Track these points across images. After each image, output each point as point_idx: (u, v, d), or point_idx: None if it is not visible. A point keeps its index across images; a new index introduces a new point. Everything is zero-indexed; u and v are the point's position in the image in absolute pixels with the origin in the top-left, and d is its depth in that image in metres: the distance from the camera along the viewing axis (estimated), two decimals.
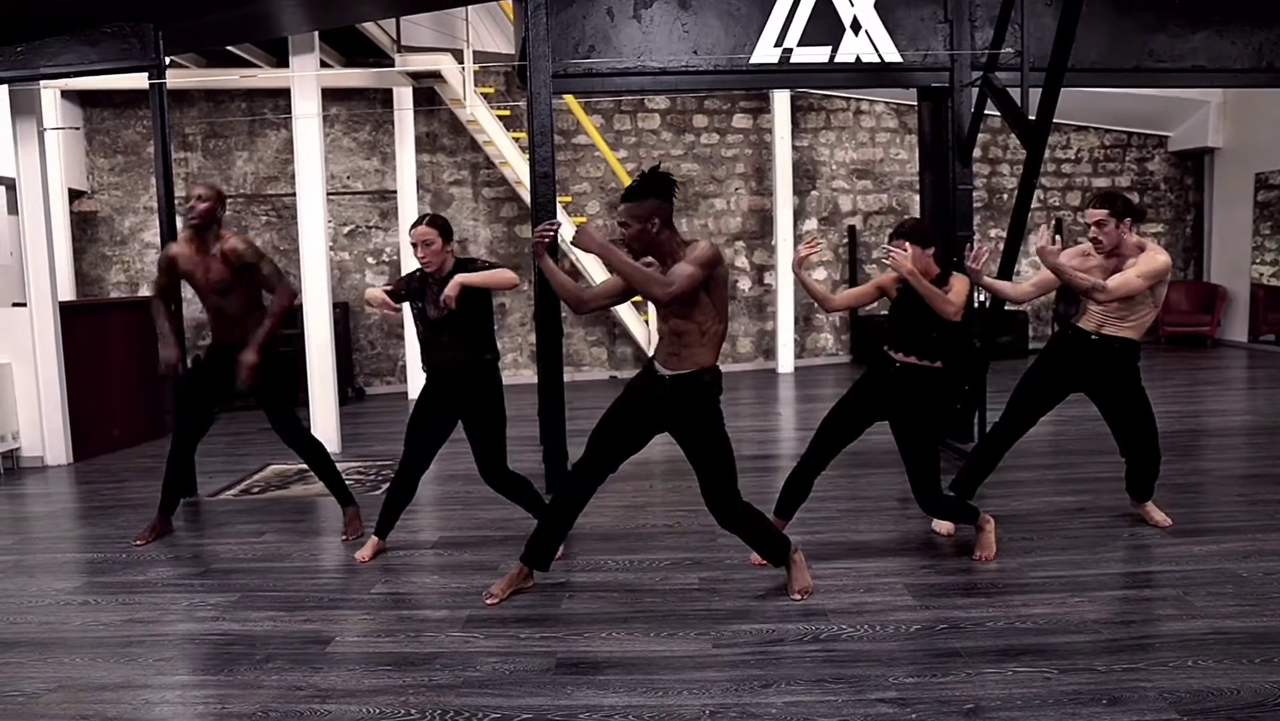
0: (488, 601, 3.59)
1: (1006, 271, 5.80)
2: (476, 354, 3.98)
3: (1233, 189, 11.23)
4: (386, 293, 3.99)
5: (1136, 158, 11.60)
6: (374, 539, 4.24)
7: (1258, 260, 11.07)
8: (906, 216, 4.11)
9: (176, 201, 5.54)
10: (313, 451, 4.60)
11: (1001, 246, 10.98)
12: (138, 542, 4.54)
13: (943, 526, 4.26)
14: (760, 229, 10.44)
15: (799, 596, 3.52)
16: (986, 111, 5.96)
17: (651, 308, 9.19)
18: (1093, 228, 4.02)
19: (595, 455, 3.50)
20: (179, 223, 5.42)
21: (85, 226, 9.36)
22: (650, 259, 3.40)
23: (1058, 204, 11.40)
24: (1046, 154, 11.38)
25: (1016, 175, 11.16)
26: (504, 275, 3.90)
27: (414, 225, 3.93)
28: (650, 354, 3.78)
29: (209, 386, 4.64)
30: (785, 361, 10.30)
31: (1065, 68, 4.99)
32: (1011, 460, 5.63)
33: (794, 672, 2.92)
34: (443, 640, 3.26)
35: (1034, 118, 5.27)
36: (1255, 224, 10.99)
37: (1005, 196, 11.12)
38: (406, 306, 4.13)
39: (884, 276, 4.11)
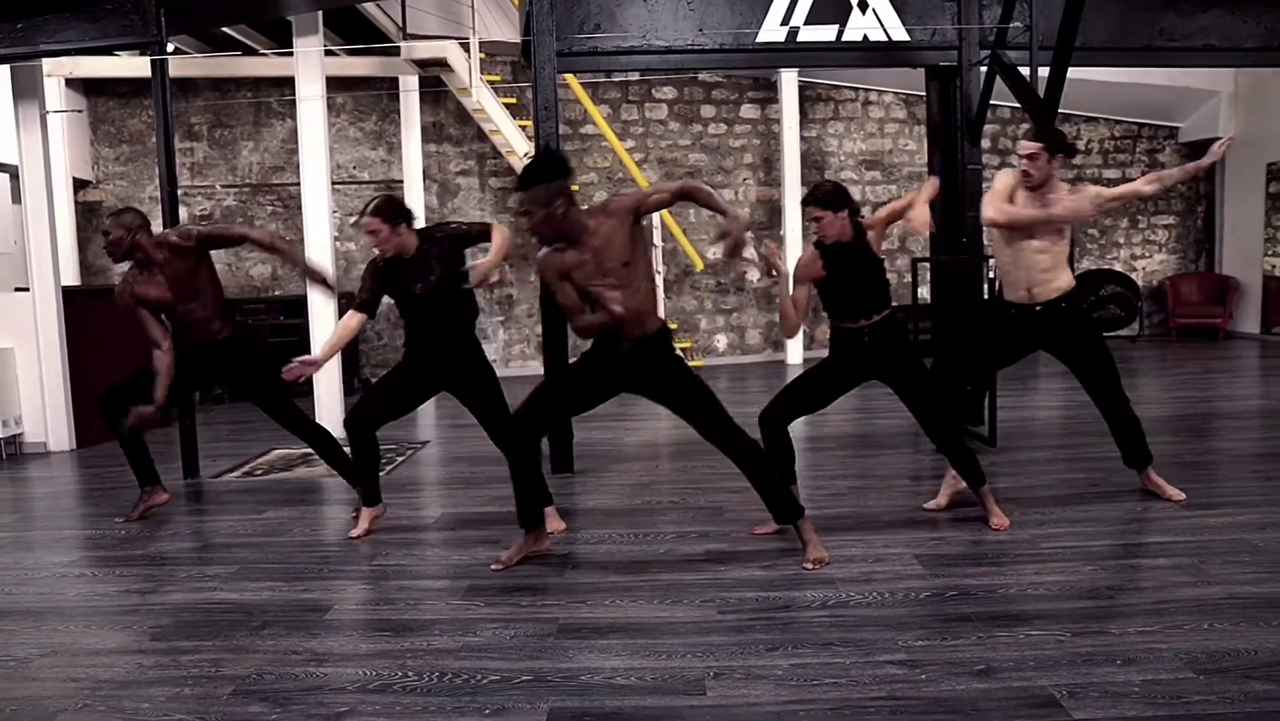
0: (494, 568, 3.54)
1: None
2: (465, 317, 4.00)
3: (1244, 180, 11.12)
4: (360, 303, 3.98)
5: (1147, 149, 11.49)
6: (366, 510, 4.12)
7: (1270, 251, 10.96)
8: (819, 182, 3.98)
9: (180, 189, 5.51)
10: (315, 436, 4.54)
11: None
12: (120, 519, 4.53)
13: (939, 500, 4.19)
14: (769, 219, 10.38)
15: (812, 566, 3.45)
16: (995, 101, 5.88)
17: (660, 296, 9.14)
18: (1024, 160, 3.96)
19: (552, 413, 3.64)
20: (182, 213, 5.38)
21: (90, 216, 9.35)
22: (559, 244, 3.28)
23: None
24: None
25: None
26: (506, 240, 3.88)
27: (359, 215, 3.91)
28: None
29: (188, 387, 4.74)
30: (795, 353, 10.22)
31: (1073, 42, 4.94)
32: (1024, 440, 5.59)
33: (800, 636, 2.86)
34: (442, 608, 3.21)
35: (1042, 95, 5.20)
36: (1268, 215, 10.88)
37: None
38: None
39: (803, 267, 3.93)
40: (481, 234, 4.04)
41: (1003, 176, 4.12)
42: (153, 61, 5.16)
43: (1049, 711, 2.35)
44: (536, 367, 8.97)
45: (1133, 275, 11.31)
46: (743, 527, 4.00)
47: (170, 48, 5.41)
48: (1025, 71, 5.40)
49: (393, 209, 3.84)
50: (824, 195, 3.75)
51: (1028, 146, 3.98)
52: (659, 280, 9.40)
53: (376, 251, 3.89)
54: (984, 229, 4.84)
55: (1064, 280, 4.06)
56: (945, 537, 3.81)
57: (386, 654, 2.82)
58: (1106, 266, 11.30)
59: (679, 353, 3.55)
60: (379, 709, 2.47)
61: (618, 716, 2.40)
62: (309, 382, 6.63)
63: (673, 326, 9.25)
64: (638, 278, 3.33)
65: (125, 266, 4.49)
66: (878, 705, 2.41)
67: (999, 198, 4.02)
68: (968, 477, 3.93)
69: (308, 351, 6.62)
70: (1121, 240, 11.45)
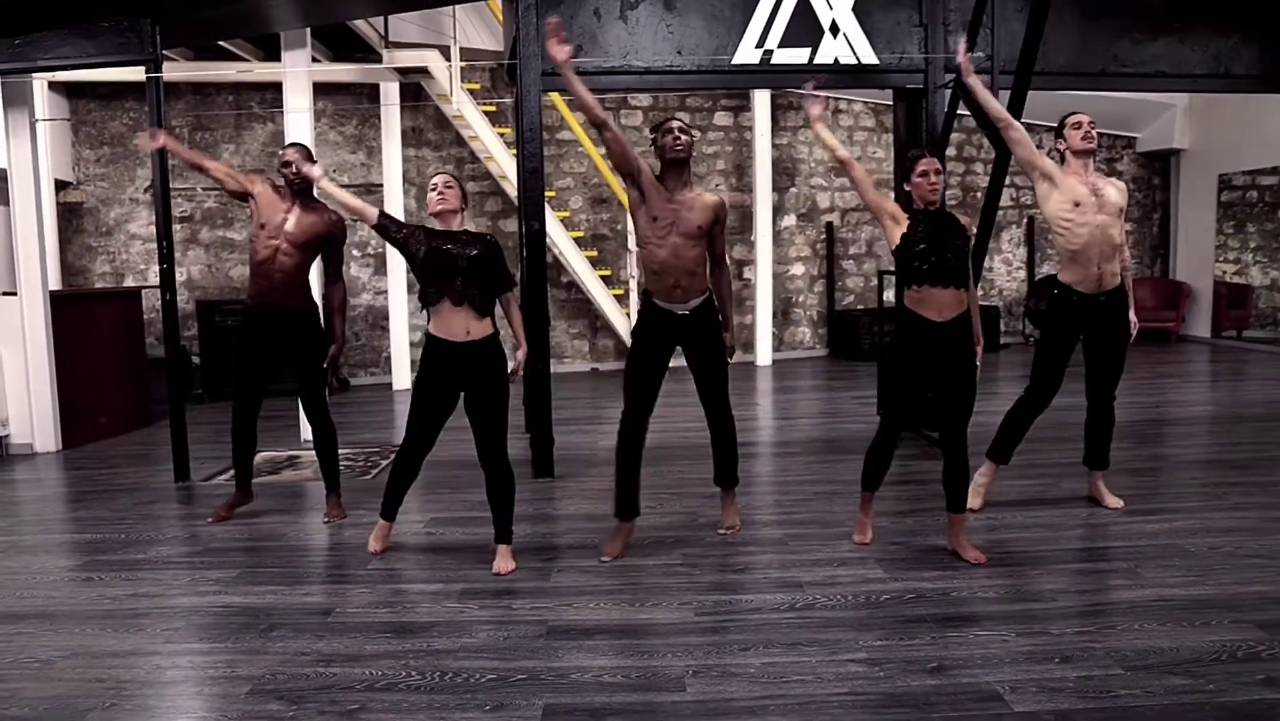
0: (604, 560, 3.93)
1: (976, 266, 5.99)
2: (489, 317, 3.90)
3: (1197, 189, 11.55)
4: (384, 216, 3.93)
5: (1106, 158, 11.88)
6: (382, 522, 4.16)
7: (1221, 258, 11.40)
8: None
9: (172, 194, 5.66)
10: (328, 434, 4.73)
11: (974, 242, 11.23)
12: (213, 520, 4.68)
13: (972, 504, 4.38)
14: (740, 224, 10.63)
15: (725, 531, 4.20)
16: (961, 112, 6.17)
17: (634, 299, 9.34)
18: (1086, 130, 4.25)
19: (640, 394, 4.02)
20: (174, 210, 5.53)
21: (71, 217, 9.42)
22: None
23: (1030, 202, 11.66)
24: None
25: (988, 172, 11.42)
26: (520, 323, 4.03)
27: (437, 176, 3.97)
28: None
29: (255, 354, 4.64)
30: (764, 354, 10.50)
31: (1032, 71, 5.23)
32: (983, 446, 5.88)
33: (771, 637, 3.12)
34: (439, 610, 3.44)
35: None
36: (1219, 223, 11.32)
37: (980, 195, 11.35)
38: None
39: (893, 205, 3.93)
40: (505, 281, 3.98)
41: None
42: (149, 79, 5.32)
43: (993, 705, 2.62)
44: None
45: None
46: (714, 532, 4.26)
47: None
48: None
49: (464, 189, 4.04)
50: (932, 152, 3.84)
51: (1084, 117, 4.24)
52: (633, 285, 9.65)
53: (436, 207, 3.88)
54: None
55: (1119, 268, 4.30)
56: (905, 542, 4.08)
57: (390, 654, 3.05)
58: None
59: (719, 320, 4.10)
60: (387, 706, 2.70)
61: (607, 711, 2.64)
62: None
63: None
64: (694, 245, 3.94)
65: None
66: (840, 700, 2.68)
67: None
68: (959, 500, 3.87)
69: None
70: None
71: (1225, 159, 11.04)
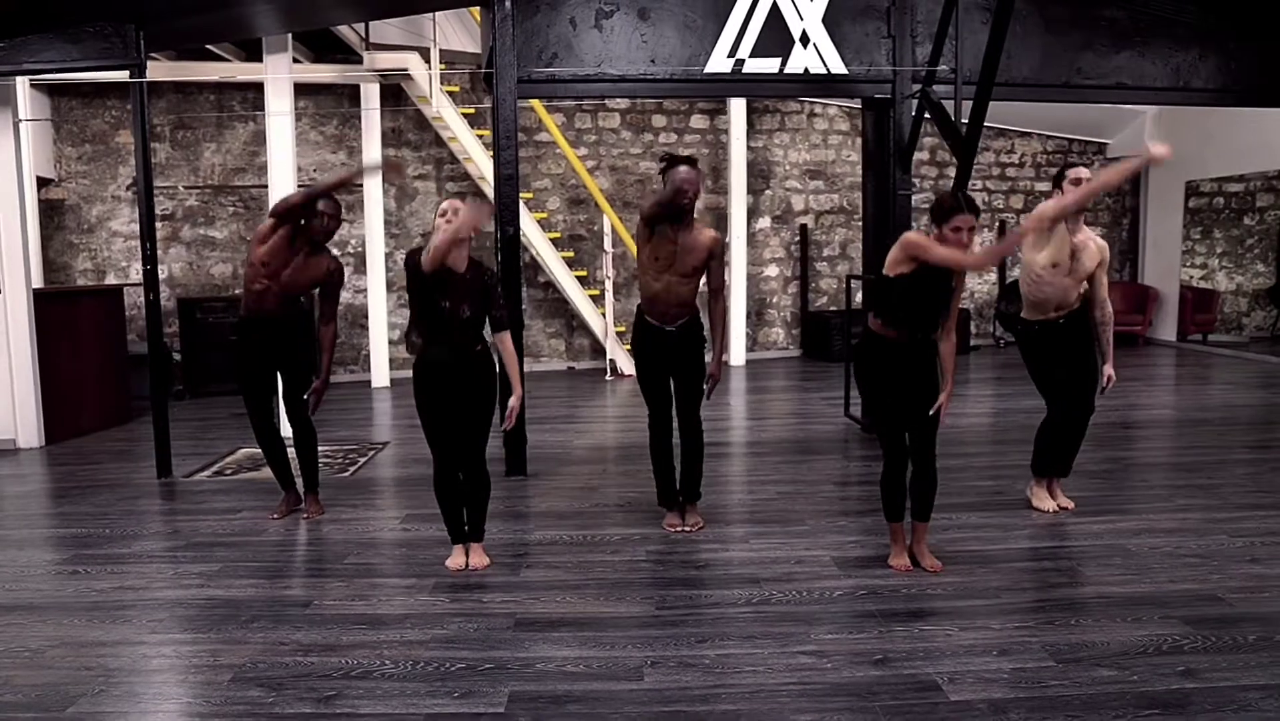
0: (670, 529, 4.44)
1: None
2: (480, 342, 3.96)
3: (1165, 195, 11.81)
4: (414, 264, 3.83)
5: (1078, 163, 12.12)
6: (456, 546, 4.08)
7: (1188, 264, 11.67)
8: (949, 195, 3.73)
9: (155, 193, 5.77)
10: (308, 433, 4.86)
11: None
12: (274, 516, 4.81)
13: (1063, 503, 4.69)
14: (715, 226, 10.77)
15: (690, 529, 4.48)
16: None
17: (610, 298, 9.47)
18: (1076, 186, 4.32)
19: (657, 402, 4.49)
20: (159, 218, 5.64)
21: (52, 214, 9.48)
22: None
23: (1002, 206, 11.91)
24: (992, 158, 11.92)
25: None
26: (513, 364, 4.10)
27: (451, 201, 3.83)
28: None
29: (254, 359, 4.76)
30: (737, 355, 10.68)
31: (992, 85, 5.42)
32: (947, 448, 6.07)
33: (727, 630, 3.29)
34: (412, 603, 3.60)
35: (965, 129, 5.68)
36: (1186, 229, 11.58)
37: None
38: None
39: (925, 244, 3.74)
40: (500, 315, 4.03)
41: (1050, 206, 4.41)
42: (133, 84, 5.43)
43: (931, 694, 2.81)
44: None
45: None
46: (679, 531, 4.43)
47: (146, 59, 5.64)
48: (951, 105, 5.89)
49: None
50: (974, 206, 3.70)
51: (1084, 172, 4.36)
52: (608, 285, 9.80)
53: (442, 231, 3.68)
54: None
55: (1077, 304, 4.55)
56: (860, 541, 4.26)
57: (365, 645, 3.21)
58: None
59: (705, 337, 4.54)
60: (362, 692, 2.86)
61: (568, 699, 2.81)
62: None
63: (620, 330, 9.69)
64: (687, 282, 4.37)
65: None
66: (788, 689, 2.85)
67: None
68: (924, 508, 3.95)
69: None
70: None
71: (1192, 166, 11.29)
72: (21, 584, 3.91)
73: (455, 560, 4.02)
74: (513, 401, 4.05)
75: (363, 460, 6.16)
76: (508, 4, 5.45)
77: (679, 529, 4.47)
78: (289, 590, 3.77)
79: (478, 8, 6.96)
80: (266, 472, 5.82)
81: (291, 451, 4.93)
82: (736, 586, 3.72)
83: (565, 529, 4.54)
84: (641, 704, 2.78)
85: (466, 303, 3.81)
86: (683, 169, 4.22)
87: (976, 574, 3.82)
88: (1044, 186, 11.88)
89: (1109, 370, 4.66)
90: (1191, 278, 11.79)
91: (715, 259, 4.41)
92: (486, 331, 3.96)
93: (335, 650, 3.17)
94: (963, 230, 3.62)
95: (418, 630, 3.33)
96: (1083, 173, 4.41)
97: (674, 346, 4.43)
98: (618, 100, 10.40)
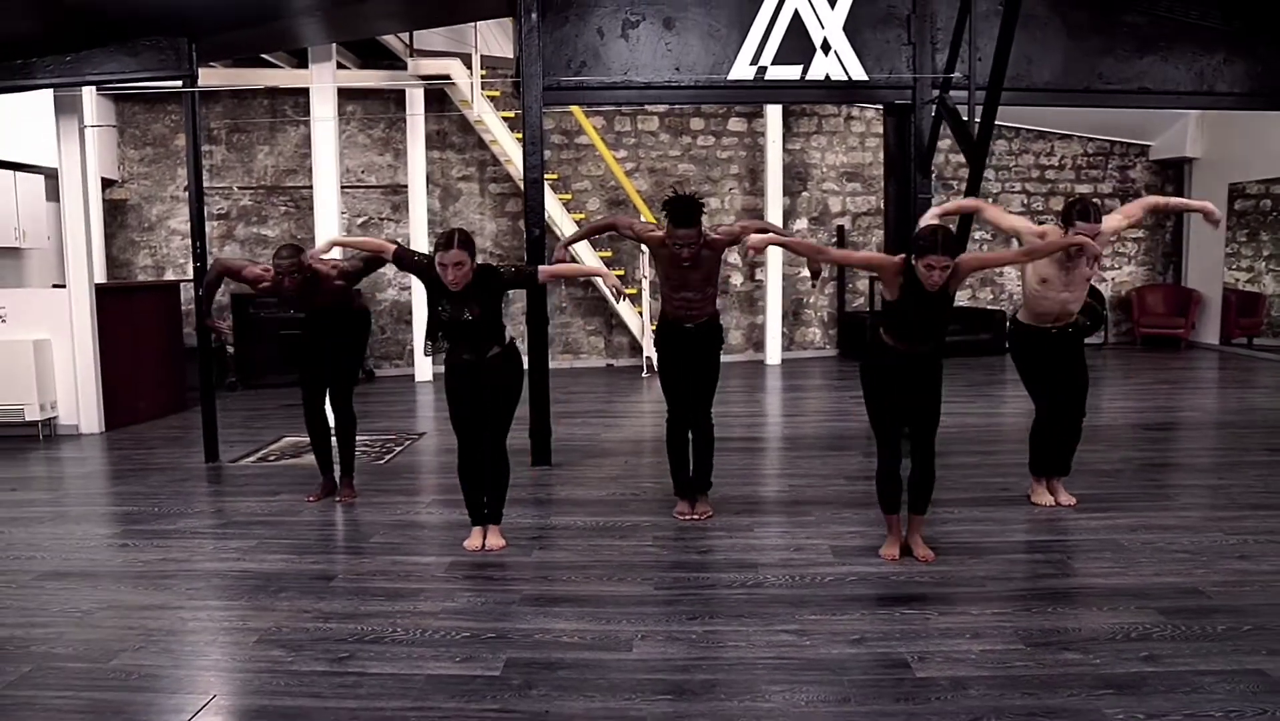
0: (679, 516, 4.68)
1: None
2: (499, 343, 4.17)
3: (1209, 198, 11.50)
4: (401, 250, 4.16)
5: (1119, 165, 12.06)
6: (475, 528, 4.33)
7: (1233, 266, 11.55)
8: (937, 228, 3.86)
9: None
10: (349, 423, 5.16)
11: (985, 248, 11.52)
12: (310, 499, 5.12)
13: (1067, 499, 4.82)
14: None
15: (698, 517, 4.67)
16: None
17: (647, 298, 9.71)
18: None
19: (676, 400, 4.68)
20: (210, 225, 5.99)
21: (116, 213, 9.99)
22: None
23: (1041, 208, 11.89)
24: (1032, 160, 11.93)
25: (1001, 180, 11.72)
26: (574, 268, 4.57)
27: (444, 246, 3.87)
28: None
29: (310, 350, 5.10)
30: (773, 353, 10.84)
31: (1000, 93, 5.55)
32: (957, 445, 6.21)
33: (718, 609, 3.50)
34: (428, 579, 3.87)
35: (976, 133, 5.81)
36: (1232, 231, 11.46)
37: (990, 199, 11.62)
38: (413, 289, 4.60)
39: (880, 262, 4.02)
40: (524, 278, 4.38)
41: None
42: (185, 93, 5.79)
43: (899, 671, 2.99)
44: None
45: (1102, 285, 11.91)
46: (686, 519, 4.64)
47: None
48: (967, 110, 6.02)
49: (472, 243, 3.97)
50: (948, 244, 3.73)
51: (1091, 228, 4.36)
52: (645, 285, 10.03)
53: (447, 283, 3.91)
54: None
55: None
56: (861, 531, 4.43)
57: (380, 614, 3.48)
58: None
59: (722, 337, 4.74)
60: (373, 655, 3.12)
61: (560, 665, 3.05)
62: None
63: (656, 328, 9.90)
64: (702, 290, 4.56)
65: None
66: (765, 663, 3.05)
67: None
68: (921, 502, 4.11)
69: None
70: None
71: (1235, 169, 11.19)
72: (77, 554, 4.26)
73: (473, 540, 4.27)
74: (608, 282, 4.59)
75: (399, 449, 6.46)
76: (534, 16, 5.70)
77: (688, 517, 4.68)
78: (316, 565, 4.07)
79: None
80: (307, 459, 6.16)
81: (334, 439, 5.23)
82: (733, 570, 3.92)
83: (581, 515, 4.78)
84: (626, 671, 3.00)
85: (468, 307, 3.99)
86: (680, 232, 4.28)
87: (966, 564, 3.97)
88: (1084, 188, 11.85)
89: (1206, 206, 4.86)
90: (1237, 280, 11.65)
91: (729, 246, 4.63)
92: (510, 330, 4.23)
93: (353, 618, 3.45)
94: (935, 269, 3.69)
95: (430, 602, 3.59)
96: (1088, 228, 4.33)
97: (694, 343, 4.61)
98: (656, 104, 10.62)
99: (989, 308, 11.85)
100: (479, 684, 2.93)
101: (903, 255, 3.90)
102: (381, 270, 10.29)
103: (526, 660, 3.08)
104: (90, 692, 2.89)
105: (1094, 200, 3.76)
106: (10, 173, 8.07)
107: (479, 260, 4.09)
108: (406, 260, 4.20)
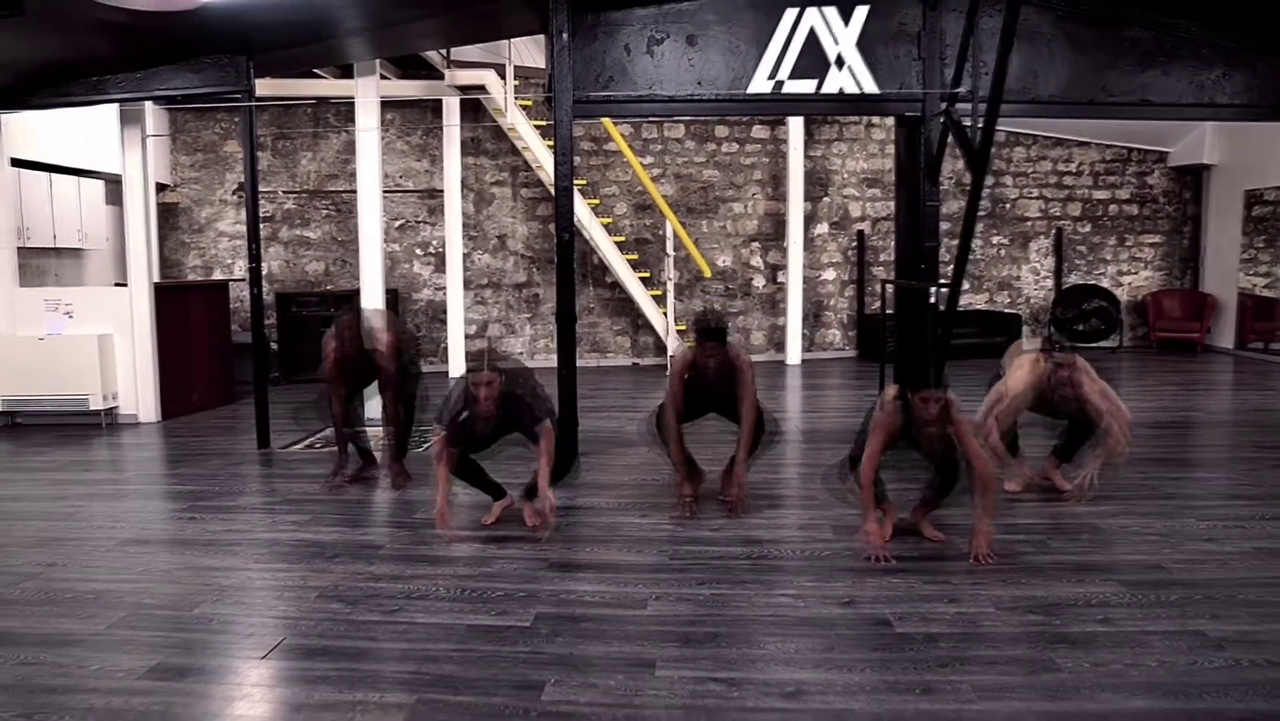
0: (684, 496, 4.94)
1: (956, 277, 6.61)
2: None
3: (1226, 204, 11.93)
4: (455, 419, 4.49)
5: (1136, 172, 12.31)
6: (527, 503, 4.69)
7: (1250, 271, 11.77)
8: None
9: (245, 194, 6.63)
10: (410, 414, 5.77)
11: (1002, 251, 11.78)
12: (338, 480, 5.55)
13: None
14: (775, 231, 11.37)
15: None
16: (1003, 128, 6.81)
17: (671, 299, 10.11)
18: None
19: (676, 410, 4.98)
20: (244, 214, 6.49)
21: (167, 216, 10.56)
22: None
23: (1059, 214, 12.17)
24: (1049, 167, 12.20)
25: (1019, 186, 12.00)
26: (550, 453, 4.49)
27: (477, 372, 4.33)
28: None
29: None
30: (794, 354, 11.22)
31: (999, 107, 5.88)
32: None
33: (724, 576, 3.91)
34: (466, 549, 4.30)
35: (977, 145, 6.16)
36: (1249, 237, 11.68)
37: (1008, 206, 11.93)
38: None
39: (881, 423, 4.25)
40: (537, 420, 4.55)
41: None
42: (243, 107, 6.29)
43: (880, 627, 3.39)
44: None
45: (1119, 290, 12.17)
46: (704, 504, 5.04)
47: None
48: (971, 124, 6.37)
49: (503, 375, 4.42)
50: (941, 399, 4.07)
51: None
52: (670, 286, 10.44)
53: (481, 398, 4.33)
54: (938, 257, 5.97)
55: None
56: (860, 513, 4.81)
57: (424, 576, 3.93)
58: (1093, 281, 12.17)
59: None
60: (419, 609, 3.57)
61: (583, 619, 3.47)
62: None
63: (680, 328, 10.31)
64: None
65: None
66: (762, 619, 3.46)
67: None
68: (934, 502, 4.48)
69: None
70: (1109, 256, 12.29)
71: (1252, 175, 11.43)
72: (151, 525, 4.75)
73: (492, 514, 4.75)
74: (547, 506, 4.34)
75: (434, 438, 6.91)
76: (565, 36, 6.13)
77: (690, 498, 4.93)
78: (366, 535, 4.53)
79: None
80: (350, 447, 6.65)
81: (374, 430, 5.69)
82: (741, 545, 4.33)
83: (605, 496, 5.20)
84: (641, 625, 3.42)
85: (488, 426, 4.51)
86: (712, 363, 4.75)
87: (956, 542, 4.34)
88: (1101, 195, 12.13)
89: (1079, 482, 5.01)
90: (1254, 285, 11.87)
91: (742, 385, 4.78)
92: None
93: (400, 579, 3.89)
94: (929, 402, 4.04)
95: (468, 567, 4.03)
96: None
97: (713, 383, 4.83)
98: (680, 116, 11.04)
99: (1005, 311, 12.14)
100: (512, 632, 3.36)
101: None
102: (417, 271, 10.83)
103: (553, 614, 3.51)
104: (180, 634, 3.37)
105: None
106: (74, 179, 8.65)
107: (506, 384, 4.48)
108: (456, 430, 4.50)
